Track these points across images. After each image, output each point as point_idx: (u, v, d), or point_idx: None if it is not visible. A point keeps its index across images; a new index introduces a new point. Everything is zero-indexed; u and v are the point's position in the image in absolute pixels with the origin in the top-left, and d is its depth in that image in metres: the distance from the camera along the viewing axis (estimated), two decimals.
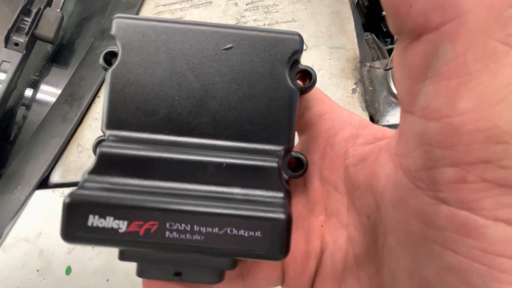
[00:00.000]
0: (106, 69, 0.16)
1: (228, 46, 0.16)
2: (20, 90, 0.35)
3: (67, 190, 0.29)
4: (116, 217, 0.13)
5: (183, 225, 0.14)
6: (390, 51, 0.32)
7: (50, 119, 0.34)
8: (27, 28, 0.32)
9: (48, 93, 0.38)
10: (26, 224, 0.28)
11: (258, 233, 0.14)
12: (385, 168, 0.13)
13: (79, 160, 0.32)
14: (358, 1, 0.57)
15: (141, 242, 0.13)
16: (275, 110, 0.16)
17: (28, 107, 0.36)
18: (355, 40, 0.34)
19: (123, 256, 0.15)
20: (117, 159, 0.15)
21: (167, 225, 0.13)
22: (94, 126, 0.33)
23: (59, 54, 0.39)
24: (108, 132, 0.15)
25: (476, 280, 0.09)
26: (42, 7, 0.34)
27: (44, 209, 0.29)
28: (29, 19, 0.33)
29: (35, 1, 0.35)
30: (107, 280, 0.25)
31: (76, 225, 0.13)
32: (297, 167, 0.16)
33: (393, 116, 0.31)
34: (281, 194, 0.15)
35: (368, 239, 0.15)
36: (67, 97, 0.35)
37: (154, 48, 0.16)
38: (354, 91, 0.32)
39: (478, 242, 0.09)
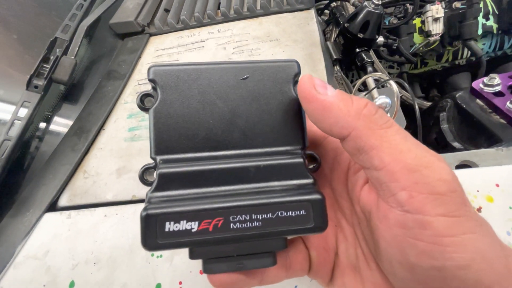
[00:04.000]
0: (141, 108, 0.19)
1: (245, 76, 0.20)
2: (35, 124, 0.41)
3: (73, 213, 0.33)
4: (188, 220, 0.16)
5: (243, 216, 0.16)
6: (354, 86, 0.37)
7: (61, 150, 0.38)
8: (46, 73, 0.38)
9: (60, 126, 0.43)
10: (35, 244, 0.32)
11: (302, 212, 0.17)
12: (370, 197, 0.18)
13: (84, 185, 0.36)
14: (335, 40, 0.65)
15: (211, 237, 0.16)
16: (289, 118, 0.20)
17: (41, 139, 0.41)
18: (325, 77, 0.40)
19: (193, 255, 0.17)
20: (174, 176, 0.17)
21: (231, 218, 0.16)
22: (99, 155, 0.38)
23: (70, 93, 0.45)
24: (159, 157, 0.18)
25: (435, 255, 0.14)
26: (59, 56, 0.40)
27: (53, 230, 0.32)
28: (48, 66, 0.39)
29: (53, 50, 0.41)
30: None
31: (155, 233, 0.16)
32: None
33: None
34: (311, 181, 0.19)
35: (366, 238, 0.19)
36: (76, 130, 0.40)
37: (187, 86, 0.19)
38: None
39: (430, 231, 0.14)
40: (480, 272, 0.14)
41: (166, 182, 0.17)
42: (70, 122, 0.42)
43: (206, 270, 0.18)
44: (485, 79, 0.47)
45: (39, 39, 0.44)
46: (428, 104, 0.62)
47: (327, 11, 0.73)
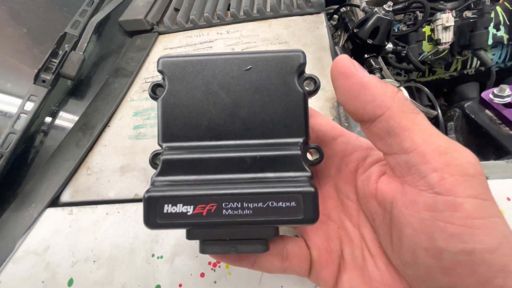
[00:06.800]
0: (153, 97, 0.20)
1: (248, 67, 0.20)
2: (41, 119, 0.40)
3: (75, 209, 0.33)
4: (185, 204, 0.17)
5: (235, 203, 0.17)
6: None
7: (65, 145, 0.38)
8: (54, 68, 0.38)
9: (65, 121, 0.43)
10: (36, 239, 0.32)
11: (293, 203, 0.17)
12: (391, 186, 0.18)
13: (87, 181, 0.36)
14: (344, 45, 0.64)
15: (204, 220, 0.17)
16: (291, 110, 0.20)
17: (46, 133, 0.41)
18: None
19: (190, 236, 0.18)
20: (176, 162, 0.19)
21: (223, 205, 0.17)
22: (103, 152, 0.38)
23: (77, 89, 0.45)
24: (165, 144, 0.20)
25: (465, 237, 0.14)
26: (68, 51, 0.40)
27: (54, 226, 0.32)
28: (56, 61, 0.39)
29: (62, 45, 0.41)
30: None
31: (155, 213, 0.17)
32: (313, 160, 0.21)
33: None
34: (306, 174, 0.19)
35: (380, 234, 0.19)
36: (82, 126, 0.40)
37: (193, 77, 0.20)
38: None
39: (460, 213, 0.14)
40: (506, 257, 0.14)
41: (168, 167, 0.19)
42: (75, 118, 0.42)
43: (202, 250, 0.19)
44: (495, 90, 0.46)
45: (48, 34, 0.45)
46: (435, 113, 0.61)
47: (336, 16, 0.73)
